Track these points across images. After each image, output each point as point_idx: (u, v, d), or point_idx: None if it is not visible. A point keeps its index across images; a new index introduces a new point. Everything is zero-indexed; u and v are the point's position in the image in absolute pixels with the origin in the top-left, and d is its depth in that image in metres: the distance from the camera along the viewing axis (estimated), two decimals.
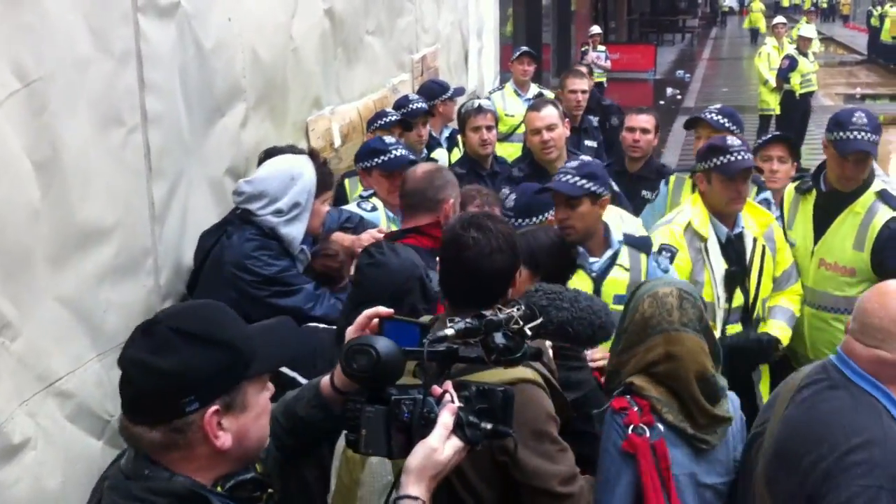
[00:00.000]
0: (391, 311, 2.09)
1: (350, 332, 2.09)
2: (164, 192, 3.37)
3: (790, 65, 13.45)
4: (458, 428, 1.90)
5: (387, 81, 6.54)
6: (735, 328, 4.21)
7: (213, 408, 1.70)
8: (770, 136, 5.75)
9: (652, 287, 2.95)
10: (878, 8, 30.58)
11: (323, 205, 3.78)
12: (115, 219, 3.05)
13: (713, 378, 2.86)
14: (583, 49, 16.51)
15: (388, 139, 4.73)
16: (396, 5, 6.72)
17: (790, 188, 4.72)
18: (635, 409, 2.81)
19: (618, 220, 4.20)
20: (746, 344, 4.18)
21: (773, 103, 13.99)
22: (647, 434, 2.78)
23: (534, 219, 4.07)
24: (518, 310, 2.07)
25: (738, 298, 4.20)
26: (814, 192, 4.52)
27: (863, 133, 4.25)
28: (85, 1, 2.89)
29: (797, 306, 4.40)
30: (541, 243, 3.45)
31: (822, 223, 4.45)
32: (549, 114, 5.24)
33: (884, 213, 4.29)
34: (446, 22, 8.42)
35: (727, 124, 5.08)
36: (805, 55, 13.80)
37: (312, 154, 3.88)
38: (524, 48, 8.70)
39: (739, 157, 4.14)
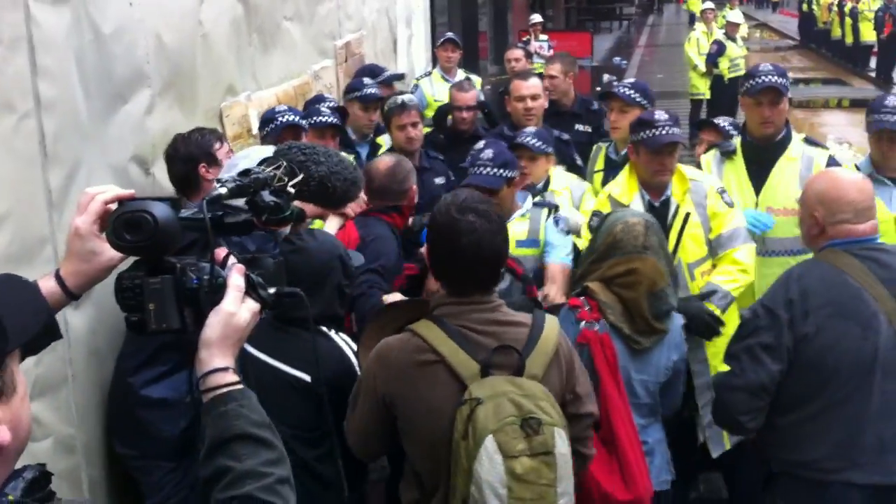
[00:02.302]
0: (132, 192, 1.88)
1: (83, 221, 1.85)
2: (62, 179, 3.31)
3: (718, 50, 13.67)
4: (252, 289, 1.80)
5: (308, 68, 6.50)
6: None
7: None
8: (699, 121, 6.05)
9: (623, 216, 3.63)
10: None
11: None
12: (6, 207, 3.00)
13: (662, 293, 3.49)
14: (524, 39, 16.18)
15: (280, 107, 4.96)
16: None
17: (709, 155, 4.97)
18: (586, 308, 3.48)
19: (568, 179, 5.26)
20: (696, 314, 4.18)
21: (703, 88, 14.20)
22: (596, 328, 3.44)
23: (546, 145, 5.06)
24: (279, 167, 2.00)
25: None
26: (739, 152, 4.78)
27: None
28: None
29: (736, 283, 4.36)
30: None
31: (757, 176, 4.70)
32: (535, 83, 6.18)
33: (820, 153, 4.68)
34: (372, 9, 8.39)
35: (638, 98, 5.32)
36: (733, 40, 14.02)
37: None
38: (448, 34, 8.74)
39: (664, 132, 4.38)
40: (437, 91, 8.36)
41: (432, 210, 2.98)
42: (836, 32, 25.64)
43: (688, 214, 4.37)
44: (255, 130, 5.34)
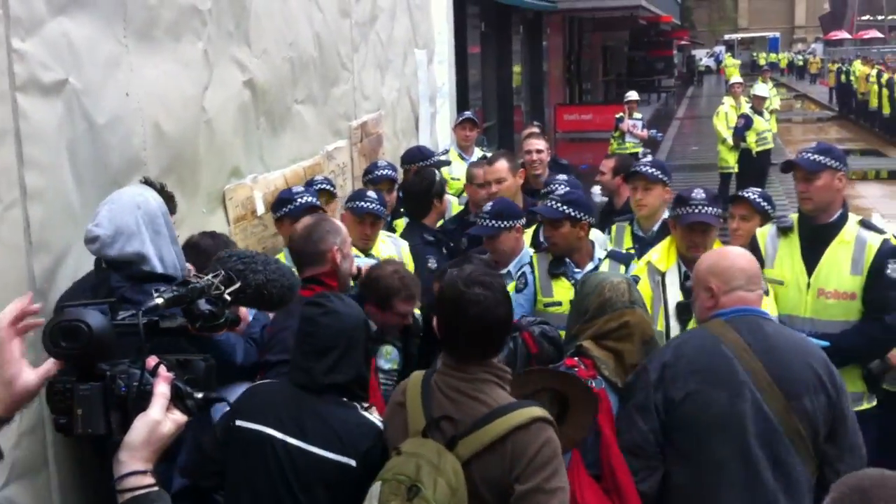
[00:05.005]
0: (28, 295, 1.96)
1: (2, 328, 1.87)
2: (48, 265, 3.41)
3: (745, 123, 13.69)
4: (179, 400, 1.87)
5: (320, 148, 6.63)
6: None
7: None
8: (730, 196, 6.17)
9: (606, 277, 3.91)
10: (845, 64, 31.06)
11: None
12: None
13: (653, 340, 3.78)
14: (617, 116, 15.84)
15: (297, 188, 5.15)
16: (331, 75, 6.83)
17: (764, 230, 5.01)
18: (582, 366, 3.65)
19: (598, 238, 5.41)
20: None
21: (731, 161, 14.20)
22: (594, 384, 3.60)
23: (504, 222, 5.09)
24: (217, 276, 2.10)
25: None
26: (796, 230, 4.79)
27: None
28: None
29: None
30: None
31: (810, 256, 4.71)
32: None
33: (874, 237, 4.65)
34: (391, 88, 8.55)
35: (660, 175, 5.61)
36: (760, 114, 14.02)
37: (147, 181, 3.83)
38: (466, 113, 8.86)
39: (696, 211, 4.61)
40: (454, 169, 8.45)
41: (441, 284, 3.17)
42: (874, 103, 25.57)
43: None
44: (259, 212, 5.45)
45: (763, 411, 3.31)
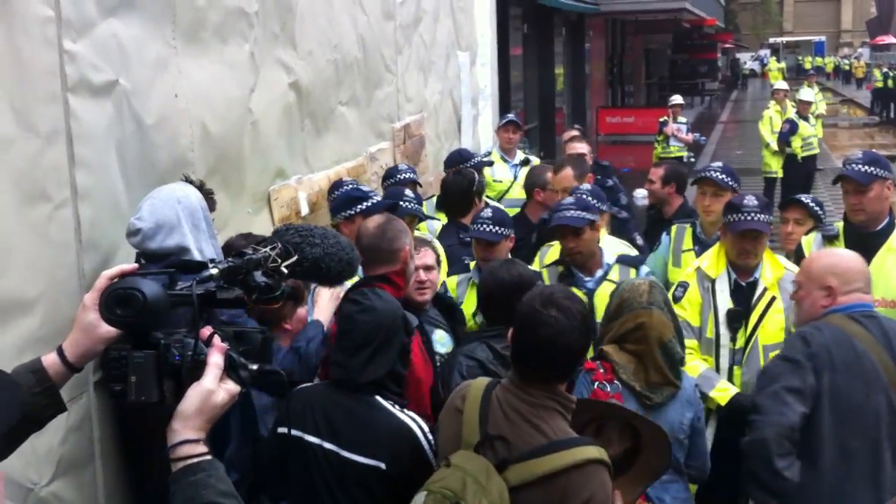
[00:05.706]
0: (135, 265, 2.02)
1: (89, 296, 1.95)
2: (97, 263, 3.44)
3: (790, 129, 13.54)
4: (232, 370, 1.88)
5: (363, 150, 6.65)
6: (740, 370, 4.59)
7: None
8: (785, 199, 6.20)
9: (630, 280, 3.98)
10: (892, 70, 30.64)
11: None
12: (37, 291, 3.13)
13: (672, 343, 3.73)
14: (661, 120, 15.39)
15: (365, 187, 5.10)
16: (374, 77, 6.86)
17: (809, 237, 5.04)
18: (601, 370, 3.72)
19: (620, 247, 5.18)
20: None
21: (775, 166, 14.06)
22: (608, 389, 3.68)
23: (506, 229, 4.93)
24: (274, 248, 2.10)
25: (743, 340, 4.54)
26: (842, 238, 4.81)
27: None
28: (8, 82, 3.01)
29: None
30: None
31: None
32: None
33: None
34: (434, 90, 8.56)
35: (730, 182, 5.58)
36: (805, 119, 13.85)
37: (187, 179, 3.79)
38: (510, 116, 8.85)
39: (747, 218, 4.58)
40: (496, 171, 8.44)
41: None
42: None
43: (773, 298, 4.54)
44: (304, 212, 5.49)
45: (893, 404, 3.44)
